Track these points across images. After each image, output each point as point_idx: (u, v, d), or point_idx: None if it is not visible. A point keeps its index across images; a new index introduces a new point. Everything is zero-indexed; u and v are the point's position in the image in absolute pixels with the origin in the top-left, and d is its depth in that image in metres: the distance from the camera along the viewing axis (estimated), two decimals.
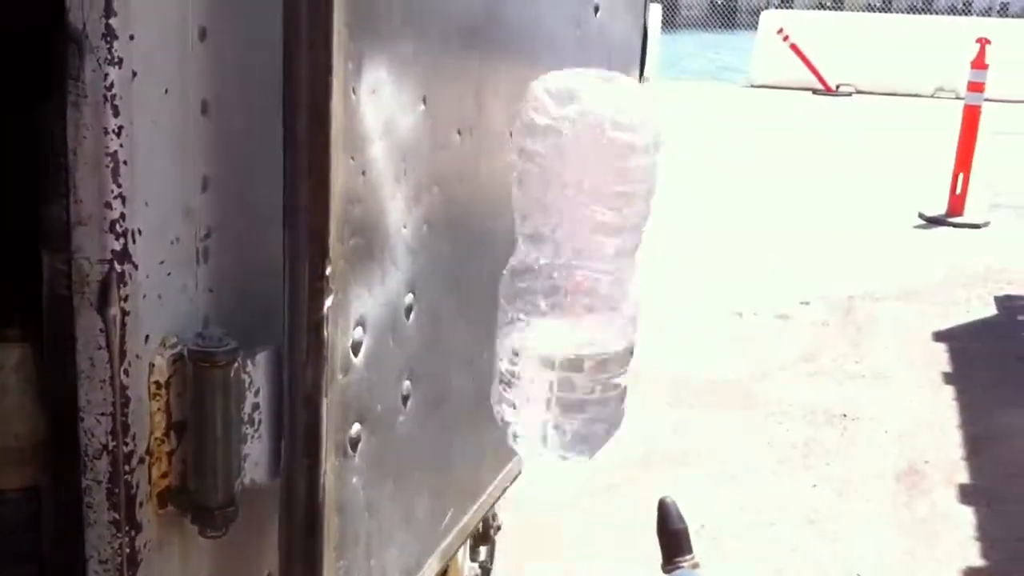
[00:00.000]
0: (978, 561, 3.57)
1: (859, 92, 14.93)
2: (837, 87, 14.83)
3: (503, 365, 1.29)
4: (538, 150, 1.22)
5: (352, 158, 1.07)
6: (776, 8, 16.37)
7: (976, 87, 7.95)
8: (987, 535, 3.72)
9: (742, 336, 5.49)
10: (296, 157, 0.96)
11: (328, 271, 0.99)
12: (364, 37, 1.06)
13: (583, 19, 1.80)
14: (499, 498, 1.76)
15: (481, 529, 2.54)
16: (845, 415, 4.60)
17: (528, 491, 3.68)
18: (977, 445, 4.35)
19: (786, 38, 14.95)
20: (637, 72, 2.28)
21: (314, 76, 0.94)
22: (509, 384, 1.29)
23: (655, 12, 15.31)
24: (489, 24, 1.43)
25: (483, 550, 2.68)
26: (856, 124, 12.35)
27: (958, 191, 7.87)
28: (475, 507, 1.61)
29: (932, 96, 14.48)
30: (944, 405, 4.74)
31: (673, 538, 1.33)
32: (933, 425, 4.54)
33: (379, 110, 1.13)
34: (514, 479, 1.80)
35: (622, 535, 3.49)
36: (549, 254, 1.26)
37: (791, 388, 4.87)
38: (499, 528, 2.72)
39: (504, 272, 1.29)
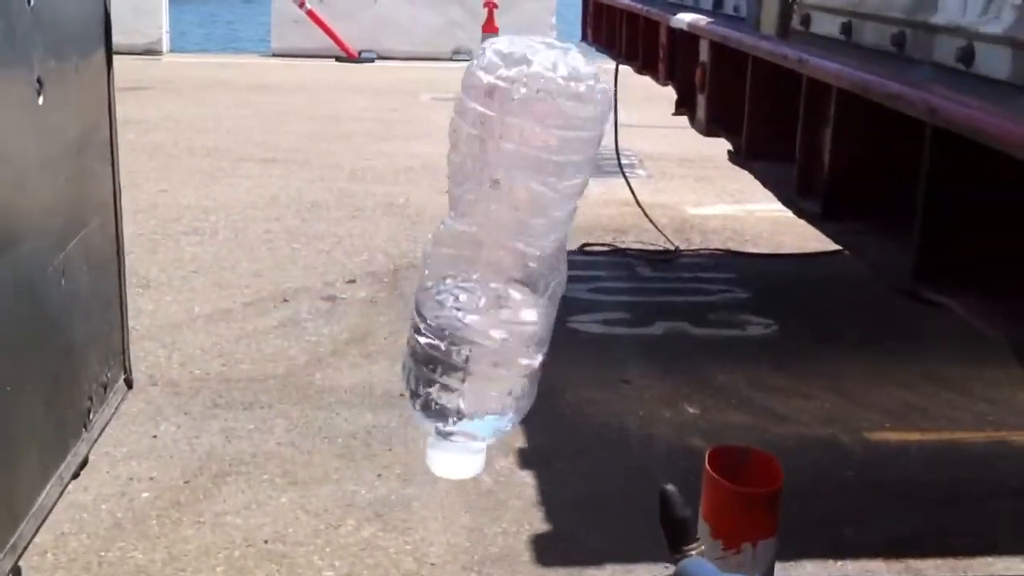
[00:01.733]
0: (543, 526, 3.60)
1: (381, 58, 15.11)
2: (360, 53, 14.90)
3: (422, 339, 1.28)
4: (480, 110, 1.20)
5: None
6: None
7: (491, 29, 8.21)
8: (547, 497, 3.77)
9: (289, 323, 5.24)
10: None
11: None
12: None
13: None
14: None
15: None
16: (403, 395, 4.48)
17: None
18: (531, 408, 4.42)
19: (302, 4, 14.75)
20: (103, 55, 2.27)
21: None
22: (433, 361, 1.27)
23: None
24: None
25: None
26: (380, 89, 12.45)
27: None
28: None
29: (450, 59, 14.98)
30: None
31: (678, 526, 1.30)
32: None
33: None
34: None
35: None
36: (478, 223, 1.24)
37: (347, 374, 4.70)
38: None
39: (429, 236, 1.28)
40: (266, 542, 3.42)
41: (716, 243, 6.85)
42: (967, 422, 4.46)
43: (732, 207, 7.58)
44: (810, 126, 3.09)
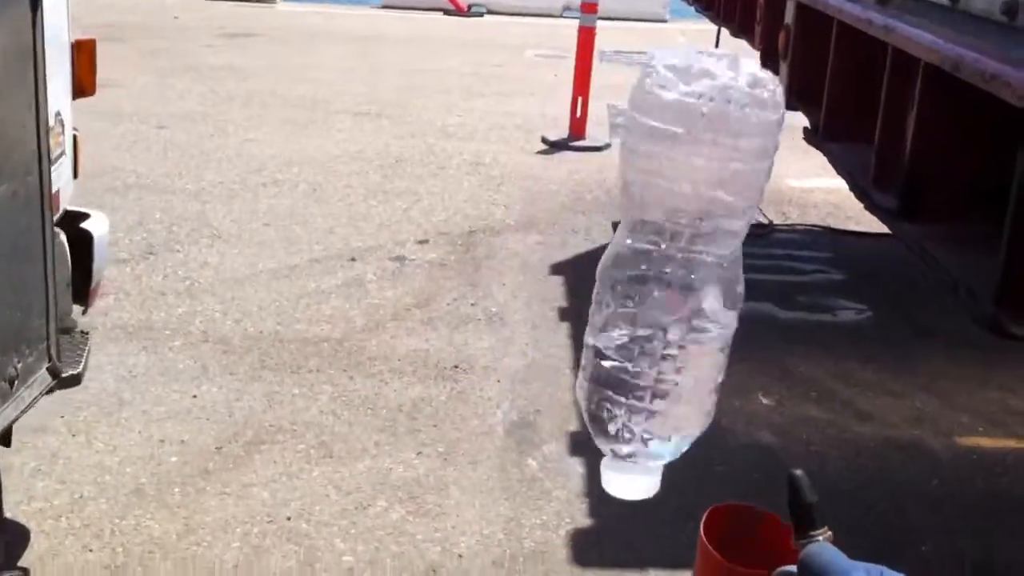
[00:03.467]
0: (585, 520, 3.35)
1: (491, 12, 14.82)
2: (469, 8, 14.63)
3: (606, 362, 1.27)
4: (664, 128, 1.18)
5: None
6: None
7: (589, 8, 7.84)
8: (596, 489, 3.50)
9: (353, 283, 5.05)
10: None
11: None
12: None
13: None
14: None
15: None
16: (457, 367, 4.28)
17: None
18: None
19: None
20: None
21: None
22: (619, 384, 1.27)
23: None
24: None
25: None
26: (485, 44, 12.18)
27: (578, 114, 7.80)
28: None
29: (561, 16, 14.60)
30: (559, 345, 4.54)
31: (805, 511, 1.27)
32: (546, 369, 4.31)
33: None
34: None
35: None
36: (666, 239, 1.23)
37: (403, 340, 4.50)
38: None
39: (605, 258, 1.27)
40: (289, 519, 3.24)
41: (814, 218, 6.43)
42: None
43: (836, 180, 7.08)
44: (893, 106, 2.71)
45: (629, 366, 1.26)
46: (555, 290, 5.13)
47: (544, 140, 7.81)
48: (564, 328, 4.71)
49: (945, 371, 4.46)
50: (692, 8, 7.18)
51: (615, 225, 5.91)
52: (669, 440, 1.33)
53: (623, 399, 1.28)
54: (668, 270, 1.24)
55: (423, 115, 8.48)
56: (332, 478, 3.49)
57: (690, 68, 1.19)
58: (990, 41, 2.21)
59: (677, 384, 1.28)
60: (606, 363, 1.28)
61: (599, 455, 4.03)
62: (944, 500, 3.57)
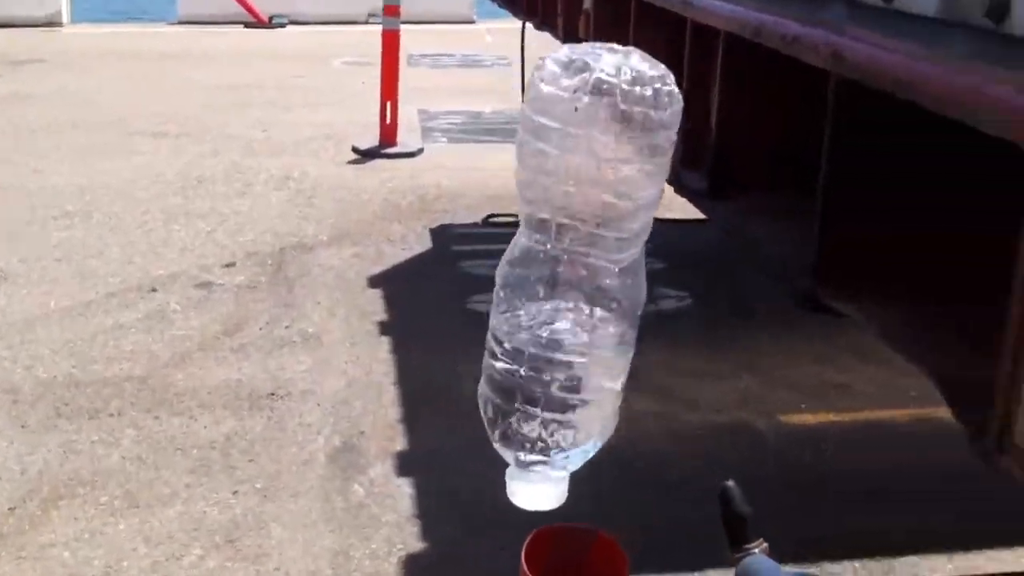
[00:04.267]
0: (417, 545, 3.18)
1: (293, 23, 14.46)
2: (271, 19, 14.24)
3: (499, 364, 1.23)
4: (546, 123, 1.15)
5: None
6: None
7: (392, 11, 7.67)
8: (428, 510, 3.35)
9: (155, 315, 4.74)
10: None
11: None
12: None
13: None
14: None
15: None
16: (273, 394, 4.05)
17: None
18: (415, 403, 4.00)
19: None
20: None
21: None
22: (512, 389, 1.21)
23: None
24: None
25: None
26: (290, 55, 11.84)
27: (388, 120, 7.62)
28: None
29: (366, 22, 14.36)
30: (381, 361, 4.36)
31: (738, 523, 1.24)
32: (368, 387, 4.13)
33: None
34: None
35: None
36: (552, 239, 1.19)
37: (212, 371, 4.23)
38: None
39: (503, 257, 1.25)
40: None
41: None
42: (890, 399, 4.10)
43: None
44: (697, 83, 2.63)
45: (521, 370, 1.23)
46: (374, 304, 4.94)
47: (355, 149, 7.59)
48: (385, 343, 4.53)
49: (766, 350, 4.49)
50: (498, 7, 7.10)
51: (432, 232, 5.76)
52: (571, 448, 1.30)
53: (520, 406, 1.25)
54: (559, 271, 1.21)
55: (226, 132, 8.13)
56: (140, 529, 3.22)
57: (576, 63, 1.15)
58: (794, 8, 2.16)
59: (575, 391, 1.24)
60: (499, 365, 1.25)
61: (428, 473, 3.84)
62: (774, 481, 3.56)
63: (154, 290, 5.01)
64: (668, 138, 1.19)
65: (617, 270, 1.23)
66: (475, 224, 6.10)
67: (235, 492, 3.41)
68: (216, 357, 4.34)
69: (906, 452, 3.70)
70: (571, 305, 1.21)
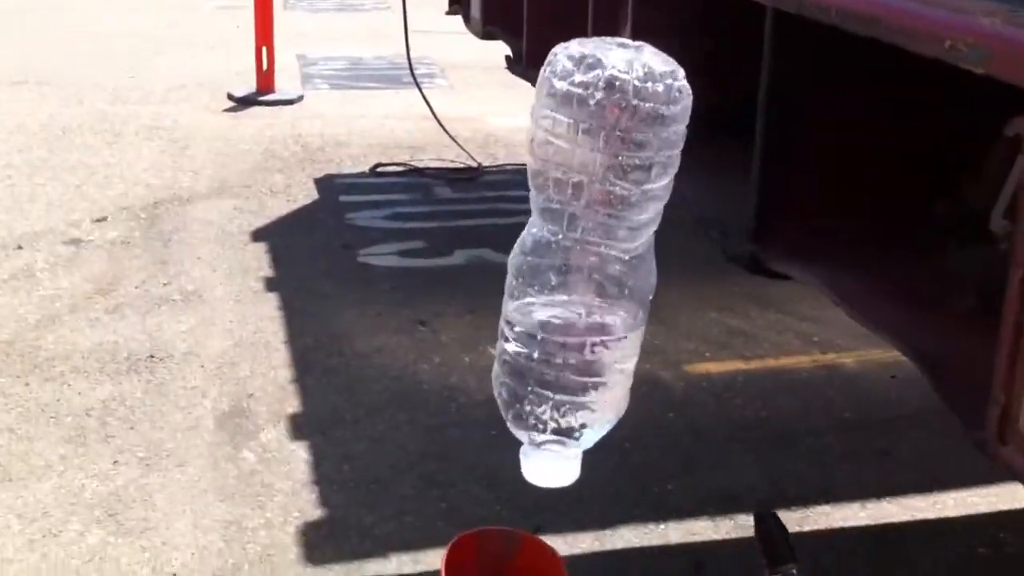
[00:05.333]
0: (315, 512, 3.01)
1: None
2: None
3: (511, 347, 1.29)
4: (558, 117, 1.20)
5: None
6: None
7: None
8: (324, 475, 3.17)
9: (21, 274, 4.41)
10: None
11: None
12: None
13: None
14: None
15: None
16: (152, 356, 3.79)
17: None
18: (308, 362, 3.80)
19: None
20: None
21: None
22: (525, 371, 1.27)
23: None
24: None
25: None
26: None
27: (264, 67, 7.28)
28: None
29: None
30: (268, 318, 4.13)
31: (778, 547, 1.26)
32: (256, 347, 3.90)
33: None
34: None
35: None
36: (564, 229, 1.24)
37: (85, 334, 3.94)
38: None
39: (515, 246, 1.30)
40: None
41: (522, 157, 6.28)
42: (793, 346, 4.07)
43: None
44: (605, 23, 2.48)
45: (534, 353, 1.27)
46: (258, 259, 4.69)
47: (230, 97, 7.24)
48: (271, 299, 4.30)
49: (670, 299, 4.40)
50: None
51: (317, 182, 5.50)
52: (584, 428, 1.34)
53: (535, 388, 1.29)
54: (572, 260, 1.25)
55: (92, 80, 7.67)
56: (13, 505, 2.96)
57: (587, 59, 1.19)
58: None
59: (588, 373, 1.29)
60: (511, 348, 1.29)
61: (323, 436, 3.62)
62: (682, 433, 3.49)
63: (20, 248, 4.66)
64: (678, 132, 1.24)
65: (628, 258, 1.28)
66: (362, 174, 5.87)
67: (115, 462, 3.18)
68: (89, 318, 4.06)
69: (813, 399, 3.67)
70: (583, 292, 1.26)
